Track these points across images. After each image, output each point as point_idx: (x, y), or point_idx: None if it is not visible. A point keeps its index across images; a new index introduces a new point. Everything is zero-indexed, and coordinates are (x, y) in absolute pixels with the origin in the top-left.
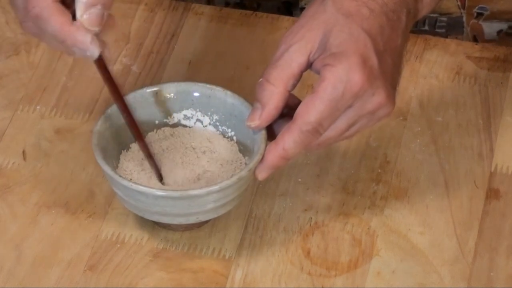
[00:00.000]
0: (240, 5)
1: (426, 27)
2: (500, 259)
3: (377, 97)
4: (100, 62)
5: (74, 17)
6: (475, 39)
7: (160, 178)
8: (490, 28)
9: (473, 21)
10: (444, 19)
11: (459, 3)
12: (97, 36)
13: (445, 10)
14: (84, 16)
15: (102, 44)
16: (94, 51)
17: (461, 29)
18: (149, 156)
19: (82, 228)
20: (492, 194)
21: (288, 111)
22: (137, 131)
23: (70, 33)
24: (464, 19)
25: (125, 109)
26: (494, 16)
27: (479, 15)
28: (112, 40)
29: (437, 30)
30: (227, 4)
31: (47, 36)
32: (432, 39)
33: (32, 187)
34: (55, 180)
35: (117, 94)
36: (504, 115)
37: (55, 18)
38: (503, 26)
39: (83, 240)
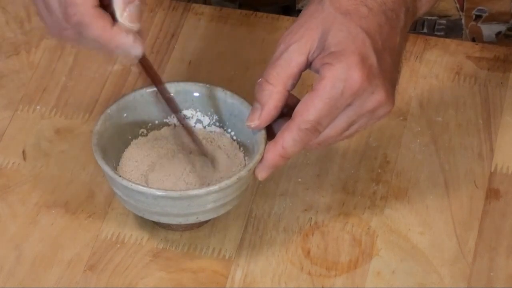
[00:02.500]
0: None
1: (425, 30)
2: (500, 259)
3: (377, 96)
4: (143, 59)
5: (113, 16)
6: (474, 42)
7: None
8: (489, 30)
9: (472, 23)
10: (443, 21)
11: (457, 5)
12: (138, 32)
13: (444, 12)
14: (124, 14)
15: (143, 40)
16: (138, 50)
17: (460, 31)
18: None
19: (82, 228)
20: (492, 194)
21: (287, 111)
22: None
23: (112, 37)
24: (463, 21)
25: (173, 105)
26: (492, 18)
27: (478, 17)
28: None
29: (436, 33)
30: None
31: (89, 41)
32: (432, 39)
33: (32, 187)
34: (55, 180)
35: (163, 89)
36: (504, 115)
37: (97, 23)
38: (502, 28)
39: (83, 240)
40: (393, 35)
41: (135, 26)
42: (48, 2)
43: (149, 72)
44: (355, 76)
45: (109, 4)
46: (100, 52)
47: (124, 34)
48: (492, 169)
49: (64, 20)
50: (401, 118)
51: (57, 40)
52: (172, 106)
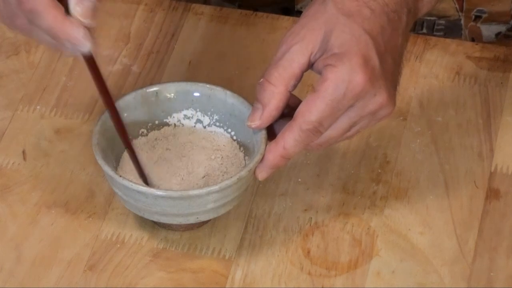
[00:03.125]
0: None
1: (424, 30)
2: (500, 259)
3: (379, 98)
4: (90, 59)
5: (67, 10)
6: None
7: (145, 182)
8: (488, 30)
9: (472, 23)
10: (442, 22)
11: (457, 6)
12: (89, 31)
13: (443, 13)
14: (77, 8)
15: (94, 40)
16: (86, 46)
17: (459, 32)
18: (135, 159)
19: (82, 228)
20: (492, 194)
21: (288, 111)
22: (124, 133)
23: (64, 27)
24: (462, 22)
25: (113, 109)
26: (492, 19)
27: (477, 17)
28: (112, 40)
29: (435, 33)
30: None
31: (39, 32)
32: (432, 39)
33: (32, 187)
34: (55, 180)
35: (106, 93)
36: (504, 115)
37: (49, 12)
38: (502, 28)
39: (83, 240)
40: (395, 37)
41: (87, 22)
42: None
43: (94, 73)
44: (358, 78)
45: None
46: (49, 45)
47: (75, 27)
48: (492, 169)
49: (17, 6)
50: (401, 118)
51: (9, 29)
52: (116, 121)
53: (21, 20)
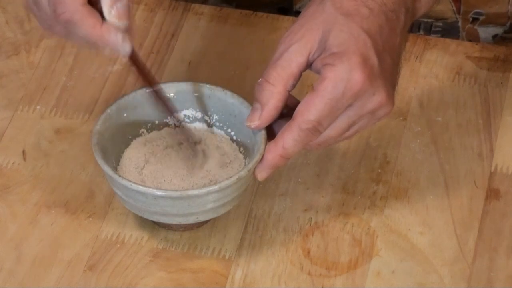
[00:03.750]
0: None
1: (421, 32)
2: (500, 259)
3: (378, 97)
4: (133, 57)
5: (101, 13)
6: None
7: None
8: (485, 32)
9: (469, 26)
10: (440, 24)
11: (454, 8)
12: (127, 29)
13: (441, 15)
14: (112, 12)
15: (132, 38)
16: (126, 48)
17: (456, 34)
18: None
19: (82, 228)
20: (492, 194)
21: (288, 111)
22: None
23: (102, 35)
24: (460, 24)
25: (159, 98)
26: (489, 21)
27: (475, 20)
28: None
29: (432, 35)
30: None
31: (77, 38)
32: (432, 39)
33: (32, 187)
34: (55, 180)
35: (150, 83)
36: (504, 115)
37: (86, 21)
38: (499, 30)
39: (83, 240)
40: (393, 36)
41: (122, 23)
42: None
43: (140, 70)
44: (357, 77)
45: (97, 1)
46: (89, 48)
47: (113, 33)
48: (492, 169)
49: (53, 17)
50: (401, 118)
51: (47, 33)
52: (165, 104)
53: (58, 28)
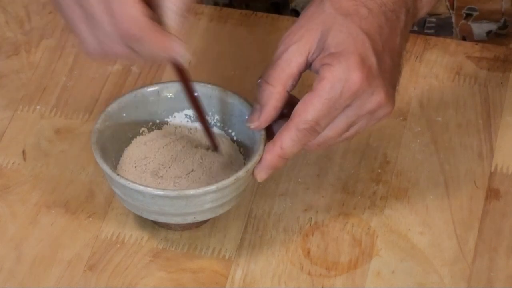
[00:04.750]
0: (229, 6)
1: (415, 28)
2: (500, 259)
3: (376, 97)
4: (180, 66)
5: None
6: (464, 40)
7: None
8: (479, 28)
9: (462, 22)
10: (433, 19)
11: (447, 3)
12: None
13: (434, 10)
14: (173, 25)
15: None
16: (186, 57)
17: (450, 30)
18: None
19: (82, 228)
20: (492, 194)
21: (288, 111)
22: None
23: (168, 49)
24: (453, 19)
25: (200, 112)
26: (483, 17)
27: (468, 15)
28: None
29: (426, 31)
30: (215, 5)
31: (140, 54)
32: (432, 39)
33: (32, 187)
34: (55, 180)
35: (192, 95)
36: (504, 115)
37: (153, 37)
38: (492, 26)
39: (83, 240)
40: (393, 36)
41: (183, 36)
42: (92, 14)
43: (182, 75)
44: (355, 76)
45: (153, 13)
46: (143, 61)
47: (179, 45)
48: (492, 169)
49: (116, 35)
50: (401, 118)
51: (96, 59)
52: (200, 115)
53: (120, 48)
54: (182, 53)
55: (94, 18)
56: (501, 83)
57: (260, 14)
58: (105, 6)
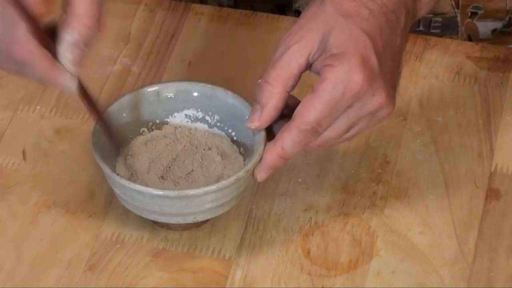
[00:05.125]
0: (234, 8)
1: (421, 28)
2: (500, 259)
3: (377, 98)
4: (81, 92)
5: (53, 53)
6: (470, 39)
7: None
8: (484, 27)
9: (468, 20)
10: (439, 19)
11: (453, 2)
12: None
13: (440, 10)
14: (66, 55)
15: (80, 73)
16: (73, 86)
17: (455, 29)
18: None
19: (82, 228)
20: (492, 194)
21: (288, 111)
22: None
23: (52, 76)
24: (459, 18)
25: (106, 128)
26: (488, 15)
27: (473, 14)
28: (112, 40)
29: (432, 30)
30: (220, 6)
31: (28, 75)
32: (432, 39)
33: (32, 187)
34: (55, 180)
35: (98, 115)
36: (504, 115)
37: (40, 64)
38: (497, 25)
39: (83, 240)
40: (394, 37)
41: (74, 70)
42: None
43: (89, 103)
44: (356, 78)
45: (50, 41)
46: (40, 84)
47: (62, 75)
48: (492, 169)
49: (6, 56)
50: (401, 118)
51: None
52: (112, 136)
53: (9, 66)
54: (68, 84)
55: None
56: (501, 83)
57: (260, 14)
58: (3, 26)
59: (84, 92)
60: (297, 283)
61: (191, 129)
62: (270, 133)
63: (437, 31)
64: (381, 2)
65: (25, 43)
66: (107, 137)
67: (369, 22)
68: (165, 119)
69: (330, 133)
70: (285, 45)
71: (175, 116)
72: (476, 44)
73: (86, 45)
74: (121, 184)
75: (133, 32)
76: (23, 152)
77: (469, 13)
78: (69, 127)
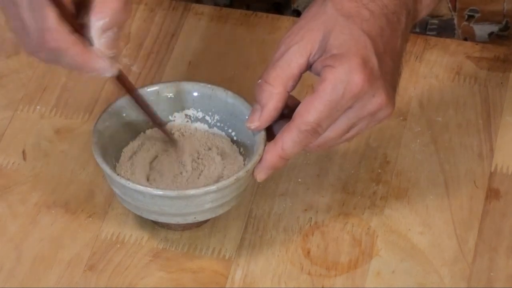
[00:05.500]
0: (229, 7)
1: (417, 30)
2: (500, 259)
3: (378, 99)
4: (120, 77)
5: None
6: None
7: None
8: (481, 30)
9: (464, 23)
10: (435, 21)
11: (450, 5)
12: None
13: (436, 12)
14: (102, 40)
15: (120, 60)
16: (113, 72)
17: (452, 31)
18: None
19: (82, 228)
20: (492, 194)
21: (288, 112)
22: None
23: (88, 62)
24: (455, 21)
25: (144, 106)
26: (485, 18)
27: (470, 17)
28: None
29: (428, 32)
30: (216, 5)
31: (64, 64)
32: (432, 39)
33: (32, 187)
34: (55, 180)
35: (142, 103)
36: (504, 115)
37: (73, 50)
38: (494, 28)
39: (83, 240)
40: (394, 38)
41: (111, 52)
42: (26, 23)
43: (125, 84)
44: (356, 78)
45: (85, 28)
46: (77, 72)
47: (100, 60)
48: (492, 169)
49: (40, 45)
50: (401, 118)
51: (32, 57)
52: (152, 116)
53: (43, 54)
54: (106, 68)
55: (27, 26)
56: (501, 83)
57: (260, 14)
58: (33, 15)
59: (124, 78)
60: (297, 283)
61: (191, 129)
62: (270, 133)
63: (433, 33)
64: (382, 3)
65: (56, 30)
66: (145, 114)
67: (369, 23)
68: (165, 119)
69: (330, 134)
70: (286, 45)
71: (175, 116)
72: (476, 44)
73: (117, 27)
74: (121, 184)
75: (133, 32)
76: (23, 152)
77: (466, 16)
78: (69, 127)
